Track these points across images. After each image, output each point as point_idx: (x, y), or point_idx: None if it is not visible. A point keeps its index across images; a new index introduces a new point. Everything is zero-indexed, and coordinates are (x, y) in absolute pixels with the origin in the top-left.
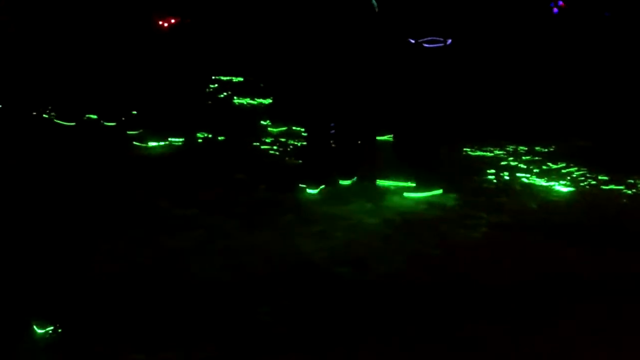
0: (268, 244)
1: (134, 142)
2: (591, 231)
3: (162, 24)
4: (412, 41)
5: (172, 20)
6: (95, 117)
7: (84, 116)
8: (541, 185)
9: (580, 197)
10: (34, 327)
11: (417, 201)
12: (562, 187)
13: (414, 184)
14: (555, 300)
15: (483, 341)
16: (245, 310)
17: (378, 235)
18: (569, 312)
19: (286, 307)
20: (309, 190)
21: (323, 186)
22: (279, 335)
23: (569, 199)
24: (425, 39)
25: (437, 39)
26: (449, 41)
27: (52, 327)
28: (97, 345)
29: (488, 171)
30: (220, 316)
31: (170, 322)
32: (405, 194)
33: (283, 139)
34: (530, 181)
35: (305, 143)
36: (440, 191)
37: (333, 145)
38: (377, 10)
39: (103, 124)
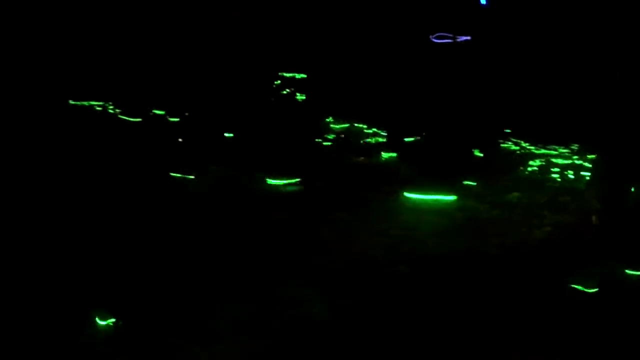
0: (326, 239)
1: (196, 138)
2: None
3: (236, 21)
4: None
5: (245, 17)
6: (161, 112)
7: (150, 112)
8: None
9: None
10: (100, 320)
11: (478, 199)
12: None
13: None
14: (621, 303)
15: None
16: (303, 306)
17: (437, 233)
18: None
19: (343, 306)
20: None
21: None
22: (335, 333)
23: (634, 200)
24: (435, 35)
25: (446, 34)
26: (462, 38)
27: (115, 319)
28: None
29: (552, 169)
30: (278, 311)
31: (227, 316)
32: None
33: (344, 136)
34: None
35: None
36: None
37: None
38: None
39: (168, 119)
